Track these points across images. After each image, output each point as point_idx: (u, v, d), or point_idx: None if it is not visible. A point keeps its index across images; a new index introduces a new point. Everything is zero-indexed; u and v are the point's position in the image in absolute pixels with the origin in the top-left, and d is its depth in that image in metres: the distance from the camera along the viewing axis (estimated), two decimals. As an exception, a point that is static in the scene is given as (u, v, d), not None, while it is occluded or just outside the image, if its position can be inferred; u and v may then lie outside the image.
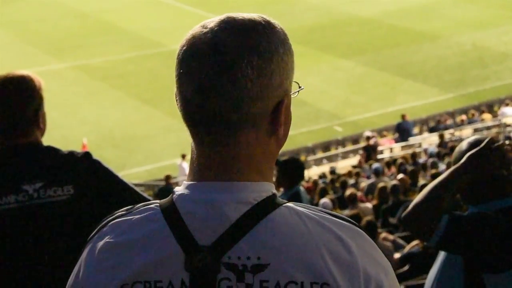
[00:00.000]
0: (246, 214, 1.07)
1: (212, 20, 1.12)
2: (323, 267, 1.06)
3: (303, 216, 1.10)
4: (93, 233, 1.16)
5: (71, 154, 2.41)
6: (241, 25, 1.10)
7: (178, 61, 1.11)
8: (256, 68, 1.08)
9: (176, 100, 1.13)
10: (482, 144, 2.26)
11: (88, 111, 22.86)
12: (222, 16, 1.12)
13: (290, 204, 1.12)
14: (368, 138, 17.37)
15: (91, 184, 2.37)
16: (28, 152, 2.37)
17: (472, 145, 2.36)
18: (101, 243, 1.12)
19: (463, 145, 2.42)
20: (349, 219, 1.15)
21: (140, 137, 20.88)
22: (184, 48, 1.10)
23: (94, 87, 25.26)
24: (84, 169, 2.37)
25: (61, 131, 19.61)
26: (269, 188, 1.13)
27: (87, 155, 2.43)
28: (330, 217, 1.12)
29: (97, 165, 2.42)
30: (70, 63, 27.74)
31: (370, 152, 16.89)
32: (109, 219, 1.16)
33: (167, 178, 14.18)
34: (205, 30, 1.10)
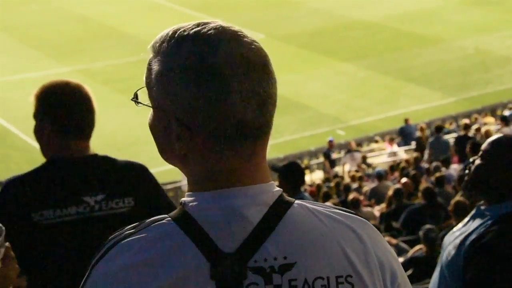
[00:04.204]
0: (266, 215, 1.08)
1: (216, 36, 1.08)
2: (344, 260, 1.09)
3: (316, 212, 1.13)
4: (98, 255, 1.11)
5: (130, 165, 2.42)
6: (244, 34, 1.11)
7: (209, 84, 1.05)
8: (274, 74, 1.13)
9: (191, 119, 1.07)
10: None
11: (90, 115, 22.85)
12: (215, 27, 1.09)
13: (299, 201, 1.14)
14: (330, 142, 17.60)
15: (148, 196, 2.37)
16: (87, 163, 2.37)
17: (493, 143, 2.32)
18: (114, 264, 1.07)
19: (485, 143, 2.37)
20: (352, 211, 1.20)
21: (143, 141, 20.87)
22: (212, 69, 1.05)
23: (96, 91, 24.82)
24: (142, 181, 2.38)
25: (64, 135, 19.57)
26: (275, 186, 1.14)
27: (143, 167, 2.44)
28: (338, 211, 1.16)
29: (152, 178, 2.44)
30: (72, 67, 27.75)
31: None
32: (115, 239, 1.11)
33: None
34: (235, 44, 1.07)
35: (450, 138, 14.84)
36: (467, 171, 2.40)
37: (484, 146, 2.35)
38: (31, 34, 32.09)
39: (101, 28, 32.81)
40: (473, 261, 2.17)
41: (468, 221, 2.38)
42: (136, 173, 2.39)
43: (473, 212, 2.39)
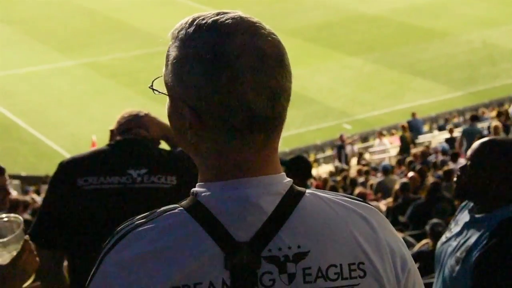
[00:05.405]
0: (279, 205, 1.09)
1: (233, 26, 1.07)
2: (356, 247, 1.10)
3: (327, 200, 1.13)
4: (108, 246, 1.10)
5: (174, 151, 2.65)
6: (262, 26, 1.10)
7: (226, 73, 1.04)
8: (289, 67, 1.12)
9: (202, 108, 1.06)
10: None
11: (96, 109, 22.88)
12: (234, 17, 1.08)
13: (310, 190, 1.15)
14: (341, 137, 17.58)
15: (190, 180, 2.42)
16: (134, 144, 2.62)
17: (476, 150, 2.25)
18: (126, 254, 1.07)
19: (473, 146, 2.31)
20: (360, 198, 1.20)
21: (149, 135, 20.92)
22: (225, 58, 1.04)
23: (102, 84, 25.29)
24: (188, 165, 2.46)
25: (70, 129, 19.60)
26: (286, 177, 1.14)
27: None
28: (348, 198, 1.17)
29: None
30: (79, 61, 27.80)
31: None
32: (125, 229, 1.11)
33: None
34: (251, 35, 1.06)
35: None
36: (455, 179, 2.31)
37: (469, 152, 2.27)
38: (37, 28, 32.13)
39: (107, 22, 32.83)
40: (483, 282, 2.10)
41: (463, 229, 2.29)
42: (182, 157, 2.55)
43: (466, 218, 2.31)
